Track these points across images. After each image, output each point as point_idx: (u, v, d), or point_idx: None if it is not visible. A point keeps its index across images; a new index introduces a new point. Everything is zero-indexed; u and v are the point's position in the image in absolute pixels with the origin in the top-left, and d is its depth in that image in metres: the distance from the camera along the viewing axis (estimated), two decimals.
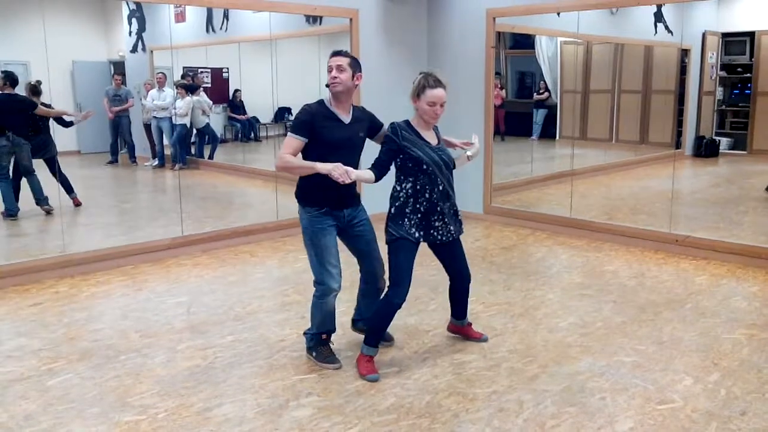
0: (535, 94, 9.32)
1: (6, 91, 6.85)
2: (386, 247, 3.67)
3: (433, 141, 3.68)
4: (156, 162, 9.34)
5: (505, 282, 5.35)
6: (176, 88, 8.98)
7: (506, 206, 7.62)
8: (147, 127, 9.23)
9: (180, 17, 8.38)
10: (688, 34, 8.01)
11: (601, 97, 9.24)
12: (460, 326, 4.16)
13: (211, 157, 9.62)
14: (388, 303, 3.65)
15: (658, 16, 7.96)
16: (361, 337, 3.82)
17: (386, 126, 3.75)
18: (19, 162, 7.00)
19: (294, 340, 4.09)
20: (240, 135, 10.01)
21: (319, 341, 3.83)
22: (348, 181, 3.38)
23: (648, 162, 9.16)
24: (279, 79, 7.78)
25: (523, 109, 9.51)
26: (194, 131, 9.42)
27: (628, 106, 9.23)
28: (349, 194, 3.67)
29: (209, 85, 9.47)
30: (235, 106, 9.63)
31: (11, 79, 6.90)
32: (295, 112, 3.68)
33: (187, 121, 9.07)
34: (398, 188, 3.63)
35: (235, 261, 6.00)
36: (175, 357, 3.92)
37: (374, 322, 3.71)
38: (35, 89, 7.09)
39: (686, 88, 8.77)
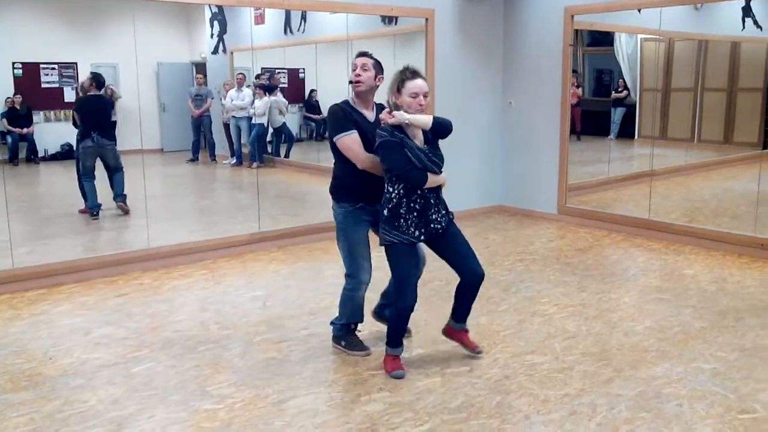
0: (613, 92, 9.10)
1: (92, 93, 7.06)
2: (382, 249, 3.59)
3: (418, 139, 3.48)
4: (234, 160, 9.62)
5: (580, 284, 5.26)
6: (255, 88, 9.22)
7: (581, 207, 7.48)
8: (226, 126, 9.53)
9: (259, 19, 8.60)
10: None
11: (682, 95, 8.92)
12: (457, 330, 3.87)
13: (287, 155, 9.83)
14: (400, 310, 3.59)
15: (747, 11, 7.63)
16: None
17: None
18: (106, 162, 7.16)
19: (364, 336, 4.14)
20: (315, 134, 10.19)
21: (347, 331, 4.01)
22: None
23: (732, 162, 8.78)
24: None
25: (600, 108, 9.29)
26: (271, 130, 9.66)
27: (712, 105, 8.87)
28: (381, 190, 3.64)
29: (286, 86, 9.68)
30: (311, 105, 9.81)
31: (98, 81, 7.08)
32: None
33: (264, 120, 9.30)
34: (390, 190, 3.47)
35: (309, 257, 6.13)
36: (252, 349, 4.05)
37: (393, 328, 3.68)
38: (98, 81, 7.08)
39: None
